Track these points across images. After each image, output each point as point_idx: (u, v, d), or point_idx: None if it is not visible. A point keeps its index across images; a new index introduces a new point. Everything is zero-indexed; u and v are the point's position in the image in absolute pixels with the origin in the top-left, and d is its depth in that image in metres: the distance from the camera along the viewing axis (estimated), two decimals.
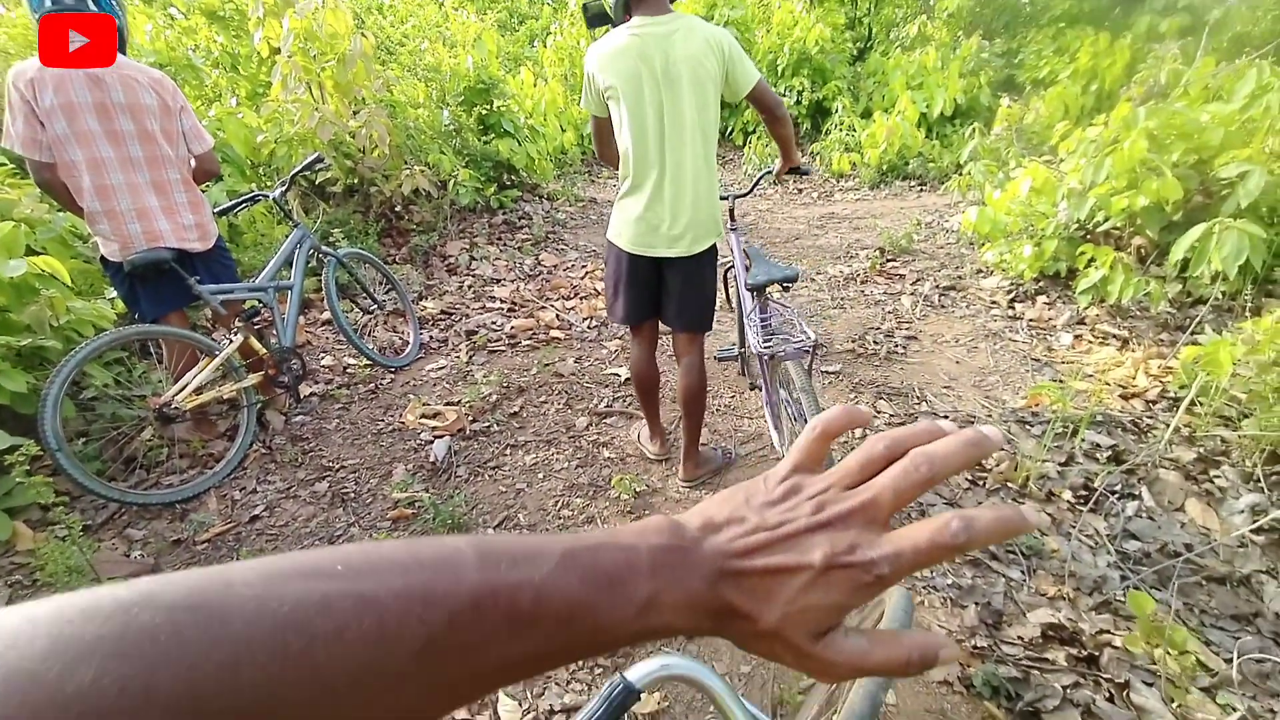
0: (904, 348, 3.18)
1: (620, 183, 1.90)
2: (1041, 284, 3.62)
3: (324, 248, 2.81)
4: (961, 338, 3.27)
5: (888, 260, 4.36)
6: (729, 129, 8.57)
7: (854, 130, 7.11)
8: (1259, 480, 2.03)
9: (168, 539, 2.11)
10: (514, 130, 5.86)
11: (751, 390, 2.79)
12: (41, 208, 2.59)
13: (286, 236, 2.69)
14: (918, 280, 4.01)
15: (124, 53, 2.18)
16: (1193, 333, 2.80)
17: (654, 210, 1.81)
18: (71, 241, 2.71)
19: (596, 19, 1.86)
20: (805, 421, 1.67)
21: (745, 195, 2.45)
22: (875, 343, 3.22)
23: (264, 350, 2.50)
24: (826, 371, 2.99)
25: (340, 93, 4.21)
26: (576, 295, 4.00)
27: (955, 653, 0.30)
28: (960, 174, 5.28)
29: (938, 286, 3.86)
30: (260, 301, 2.57)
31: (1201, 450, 2.22)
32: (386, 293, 3.33)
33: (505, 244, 4.89)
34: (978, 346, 3.15)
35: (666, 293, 1.96)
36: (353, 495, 2.32)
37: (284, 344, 2.60)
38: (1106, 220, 3.27)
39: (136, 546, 2.08)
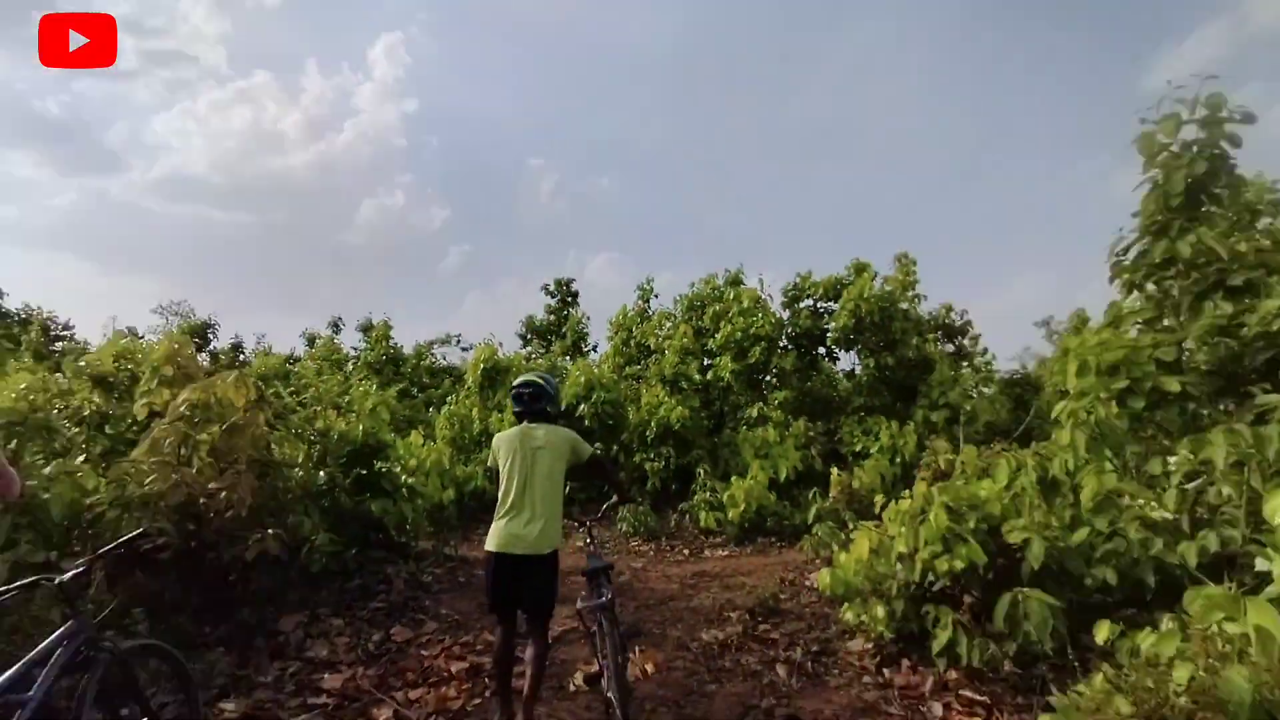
0: None
1: (497, 509, 2.89)
2: (902, 645, 3.70)
3: (103, 642, 2.26)
4: (841, 713, 3.10)
5: (759, 622, 4.35)
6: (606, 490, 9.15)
7: (715, 491, 7.88)
8: None
9: None
10: (392, 490, 5.84)
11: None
12: None
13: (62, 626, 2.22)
14: (789, 645, 3.95)
15: None
16: (1042, 692, 2.87)
17: (515, 523, 2.81)
18: None
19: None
20: (616, 655, 2.72)
21: (600, 519, 3.62)
22: None
23: None
24: None
25: (215, 457, 4.13)
26: (426, 682, 3.45)
27: None
28: (810, 534, 5.81)
29: (809, 652, 3.82)
30: None
31: None
32: (175, 694, 2.70)
33: (354, 614, 4.38)
34: None
35: (521, 587, 2.81)
36: None
37: None
38: (937, 580, 3.59)
39: None
